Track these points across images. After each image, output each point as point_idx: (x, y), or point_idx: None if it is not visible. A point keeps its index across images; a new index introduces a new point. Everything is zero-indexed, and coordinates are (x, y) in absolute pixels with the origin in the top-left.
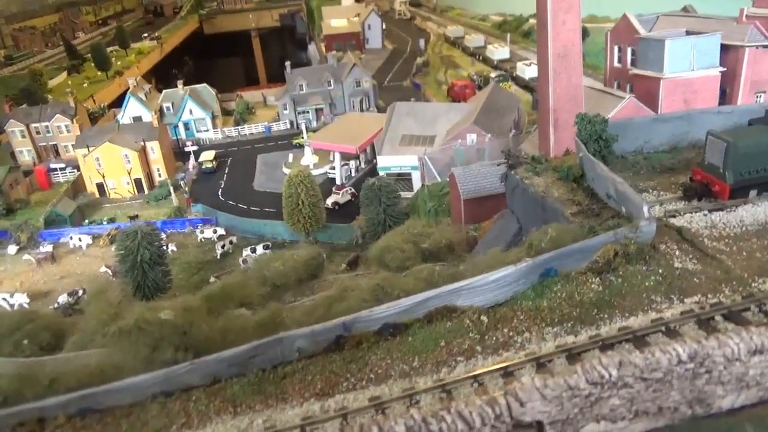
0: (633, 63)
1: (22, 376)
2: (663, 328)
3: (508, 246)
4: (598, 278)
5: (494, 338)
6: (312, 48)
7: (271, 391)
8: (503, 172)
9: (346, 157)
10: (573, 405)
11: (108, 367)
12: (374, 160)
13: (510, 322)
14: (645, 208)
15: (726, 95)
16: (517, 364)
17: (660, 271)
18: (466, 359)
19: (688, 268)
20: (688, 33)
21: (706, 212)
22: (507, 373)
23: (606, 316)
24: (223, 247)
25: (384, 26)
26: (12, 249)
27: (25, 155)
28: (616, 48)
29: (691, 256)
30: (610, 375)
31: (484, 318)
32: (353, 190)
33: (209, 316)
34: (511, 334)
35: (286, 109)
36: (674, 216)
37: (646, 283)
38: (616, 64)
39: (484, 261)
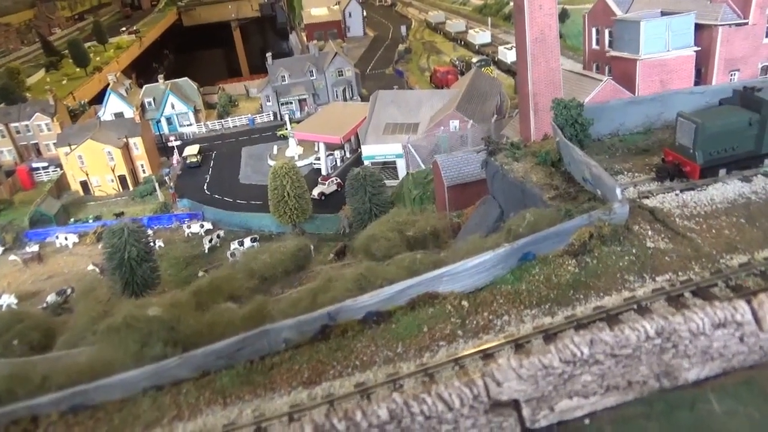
0: (610, 45)
1: (14, 376)
2: (635, 306)
3: (490, 231)
4: (574, 260)
5: (475, 322)
6: (293, 38)
7: (259, 382)
8: (484, 158)
9: (330, 147)
10: (547, 383)
11: (98, 364)
12: (359, 150)
13: (490, 306)
14: (618, 191)
15: (701, 74)
16: (496, 347)
17: (633, 251)
18: (448, 343)
19: (660, 248)
20: (663, 13)
21: (677, 192)
22: (487, 356)
23: (582, 296)
24: (210, 241)
25: (365, 13)
26: None
27: (6, 155)
28: (594, 30)
29: (663, 235)
30: (582, 353)
31: (464, 303)
32: (339, 180)
33: (197, 311)
34: (491, 317)
35: (269, 100)
36: (647, 197)
37: (620, 264)
38: (594, 46)
39: (464, 247)
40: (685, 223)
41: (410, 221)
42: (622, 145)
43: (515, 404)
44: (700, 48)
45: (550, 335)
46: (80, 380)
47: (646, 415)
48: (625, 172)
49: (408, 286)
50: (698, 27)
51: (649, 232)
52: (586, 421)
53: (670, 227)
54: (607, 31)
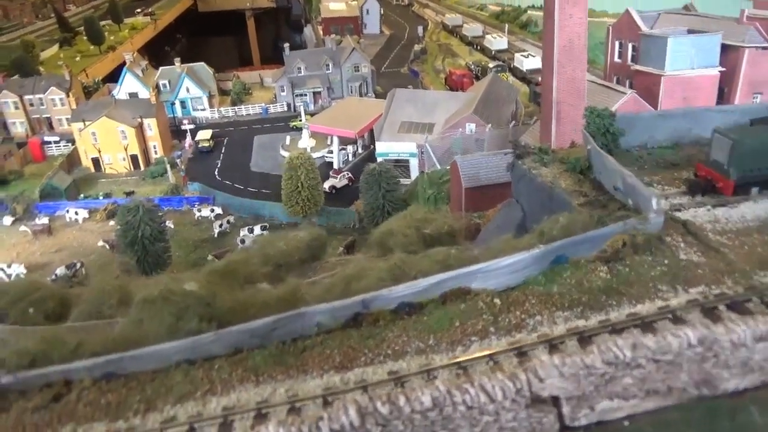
0: (633, 59)
1: (48, 340)
2: (670, 315)
3: (512, 234)
4: (606, 266)
5: (507, 320)
6: (308, 31)
7: (291, 363)
8: (510, 161)
9: (344, 141)
10: (589, 383)
11: (133, 334)
12: (372, 146)
13: (522, 305)
14: (654, 201)
15: (724, 95)
16: (530, 345)
17: (666, 261)
18: (480, 339)
19: (692, 260)
20: (689, 32)
21: (709, 207)
22: (521, 353)
23: (614, 302)
24: (221, 226)
25: (382, 11)
26: (7, 220)
27: (18, 127)
28: (617, 43)
29: (695, 248)
30: (625, 356)
31: (497, 301)
32: (350, 174)
33: (233, 288)
34: (523, 316)
35: (283, 91)
36: (679, 210)
37: (653, 273)
38: (616, 59)
39: (497, 246)
40: (717, 238)
41: (428, 219)
42: (651, 158)
43: (555, 401)
44: (724, 69)
45: (584, 338)
46: (114, 349)
47: (685, 421)
48: (655, 185)
49: (442, 280)
50: (724, 47)
51: (682, 245)
52: (626, 423)
53: (703, 241)
54: (630, 45)
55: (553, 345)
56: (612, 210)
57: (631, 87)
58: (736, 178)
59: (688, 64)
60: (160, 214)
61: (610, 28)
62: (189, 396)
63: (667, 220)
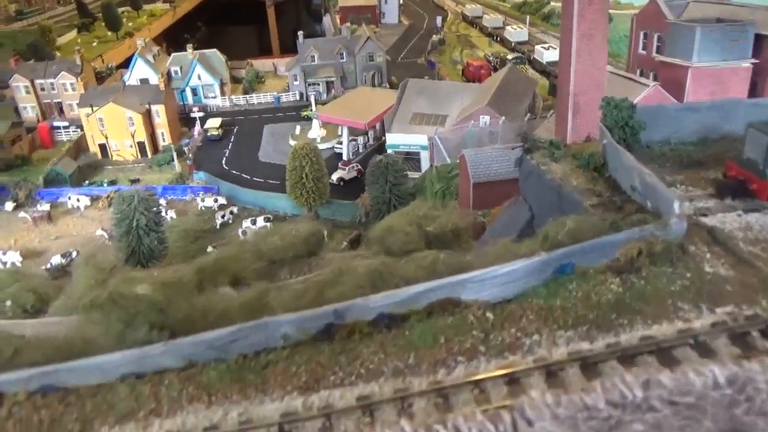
0: (659, 50)
1: None
2: (691, 341)
3: (519, 234)
4: (618, 278)
5: (500, 338)
6: (327, 20)
7: (250, 380)
8: (518, 156)
9: (354, 132)
10: (589, 428)
11: (77, 341)
12: (383, 137)
13: (518, 321)
14: (676, 204)
15: (757, 89)
16: (524, 371)
17: (688, 275)
18: (468, 360)
19: (719, 274)
20: (719, 21)
21: (740, 212)
22: (512, 380)
23: (626, 321)
24: (223, 216)
25: (401, 1)
26: (9, 206)
27: (29, 112)
28: (641, 34)
29: (723, 260)
30: (635, 395)
31: (489, 315)
32: (360, 166)
33: (191, 293)
34: (518, 335)
35: (296, 80)
36: (705, 215)
37: (672, 288)
38: (640, 50)
39: (493, 252)
40: (749, 249)
41: (431, 216)
42: (674, 154)
43: None
44: (758, 60)
45: (588, 364)
46: (55, 358)
47: None
48: (678, 185)
49: (427, 289)
50: (758, 38)
51: (707, 255)
52: None
53: (732, 251)
54: (656, 36)
55: (550, 372)
56: (628, 212)
57: (655, 80)
58: None
59: (717, 56)
60: (160, 203)
61: (635, 17)
62: (131, 416)
63: (690, 226)
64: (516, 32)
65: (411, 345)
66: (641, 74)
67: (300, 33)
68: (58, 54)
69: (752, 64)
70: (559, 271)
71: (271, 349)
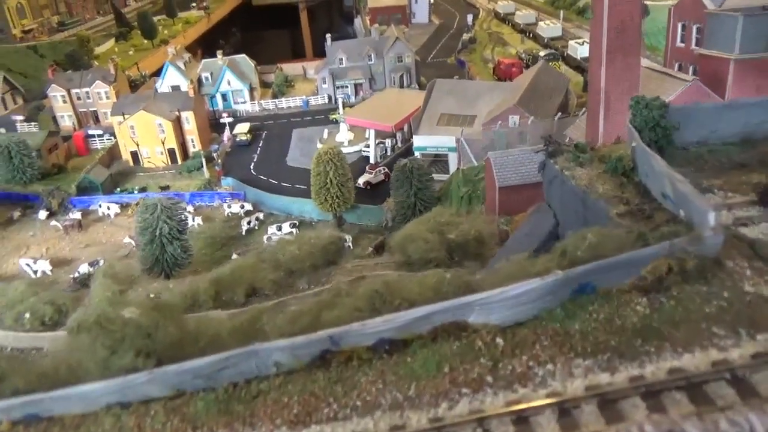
0: (698, 42)
1: None
2: (728, 375)
3: (542, 244)
4: (645, 298)
5: (510, 367)
6: (358, 21)
7: (239, 412)
8: (542, 160)
9: (381, 134)
10: None
11: (63, 367)
12: (411, 139)
13: (531, 348)
14: (711, 216)
15: None
16: (534, 409)
17: (725, 294)
18: (473, 392)
19: (762, 294)
20: (764, 9)
21: None
22: (520, 419)
23: (652, 349)
24: (249, 223)
25: (432, 0)
26: (42, 214)
27: (66, 120)
28: (680, 25)
29: (766, 277)
30: None
31: (499, 340)
32: (387, 169)
33: (180, 317)
34: (531, 363)
35: (324, 83)
36: (745, 225)
37: (707, 309)
38: (678, 43)
39: (505, 270)
40: None
41: (453, 222)
42: (712, 156)
43: None
44: None
45: (607, 401)
46: (39, 386)
47: None
48: (716, 191)
49: (430, 313)
50: None
51: (747, 272)
52: None
53: None
54: (695, 27)
55: (564, 410)
56: (658, 223)
57: (695, 74)
58: None
59: (762, 47)
60: (187, 210)
61: (672, 8)
62: None
63: (728, 238)
64: (549, 28)
65: (412, 374)
66: (680, 68)
67: (328, 36)
68: (96, 63)
69: None
70: (579, 290)
71: (264, 377)
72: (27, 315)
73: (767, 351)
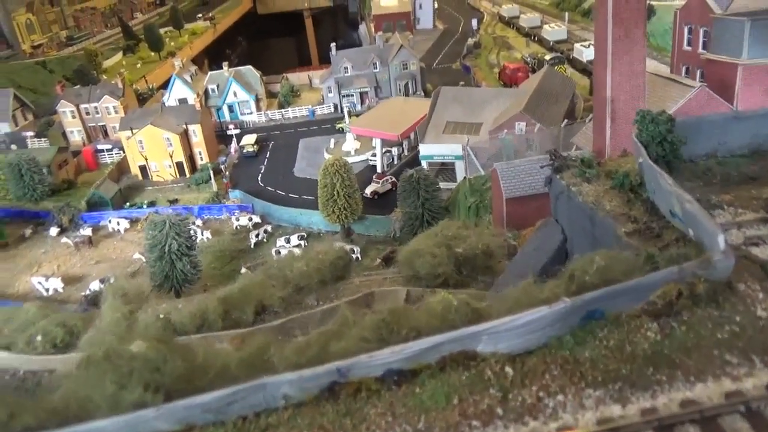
0: (705, 46)
1: None
2: (742, 408)
3: (550, 261)
4: (656, 324)
5: (520, 398)
6: (363, 28)
7: None
8: (548, 175)
9: (388, 143)
10: None
11: (73, 402)
12: (417, 147)
13: (541, 377)
14: (721, 239)
15: None
16: None
17: (737, 319)
18: (483, 425)
19: None
20: None
21: None
22: None
23: (664, 378)
24: (257, 236)
25: (436, 5)
26: (53, 231)
27: (75, 135)
28: (686, 28)
29: None
30: None
31: (509, 369)
32: (394, 179)
33: (188, 349)
34: (541, 394)
35: (330, 92)
36: (757, 244)
37: (719, 335)
38: (685, 47)
39: (513, 295)
40: None
41: (460, 236)
42: (722, 169)
43: None
44: None
45: None
46: (50, 423)
47: None
48: (726, 207)
49: (437, 343)
50: None
51: (760, 295)
52: None
53: None
54: (701, 31)
55: None
56: (667, 242)
57: (702, 77)
58: None
59: None
60: (196, 224)
61: (678, 11)
62: None
63: (739, 259)
64: (554, 31)
65: (422, 405)
66: (687, 71)
67: (333, 45)
68: (104, 77)
69: None
70: (588, 316)
71: (272, 409)
72: (39, 337)
73: None
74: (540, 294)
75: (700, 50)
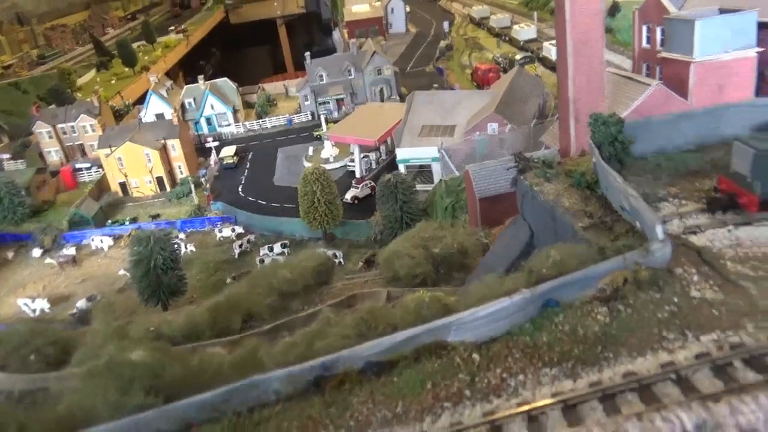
0: (663, 44)
1: None
2: (673, 376)
3: (519, 255)
4: (605, 308)
5: (486, 380)
6: (336, 34)
7: None
8: (513, 176)
9: (366, 148)
10: None
11: (78, 411)
12: (394, 151)
13: (504, 361)
14: (659, 229)
15: (765, 79)
16: (506, 417)
17: (675, 300)
18: (453, 405)
19: (706, 298)
20: (721, 11)
21: (730, 227)
22: (495, 428)
23: (611, 355)
24: (240, 246)
25: (408, 9)
26: (37, 252)
27: (53, 156)
28: (644, 28)
29: (711, 282)
30: None
31: (475, 356)
32: (373, 183)
33: (184, 355)
34: (504, 375)
35: (307, 100)
36: (694, 232)
37: (659, 315)
38: (644, 45)
39: (478, 290)
40: (738, 268)
41: (437, 237)
42: (669, 164)
43: None
44: (763, 49)
45: (569, 407)
46: (58, 431)
47: None
48: (671, 199)
49: (412, 336)
50: (762, 26)
51: (695, 278)
52: None
53: (720, 272)
54: (659, 30)
55: (532, 417)
56: (618, 234)
57: (661, 75)
58: (761, 193)
59: (720, 48)
60: (180, 238)
61: (636, 11)
62: None
63: (678, 246)
64: (524, 30)
65: (399, 392)
66: (647, 70)
67: (307, 54)
68: (79, 95)
69: (757, 53)
70: (545, 305)
71: (265, 404)
72: (32, 357)
73: (708, 352)
74: (502, 287)
75: (658, 48)
